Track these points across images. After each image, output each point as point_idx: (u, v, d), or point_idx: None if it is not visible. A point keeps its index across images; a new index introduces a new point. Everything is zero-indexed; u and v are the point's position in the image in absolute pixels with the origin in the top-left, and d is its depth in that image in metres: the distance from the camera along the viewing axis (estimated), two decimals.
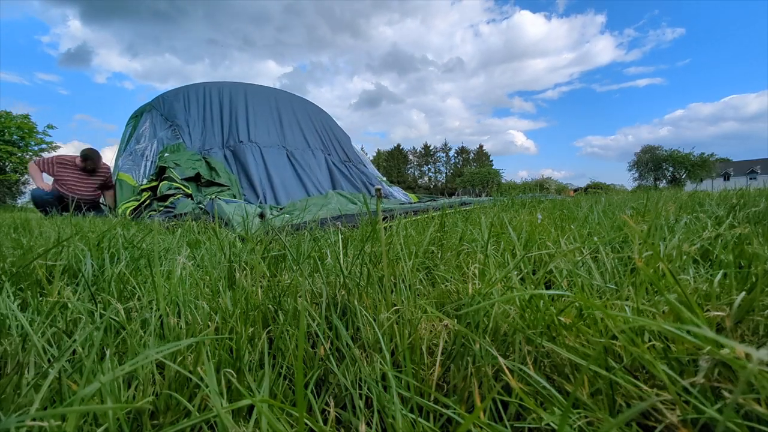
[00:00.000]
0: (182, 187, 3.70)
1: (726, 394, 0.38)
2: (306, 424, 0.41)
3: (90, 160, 4.53)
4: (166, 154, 4.24)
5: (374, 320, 0.59)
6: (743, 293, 0.46)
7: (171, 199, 3.51)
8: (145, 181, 4.17)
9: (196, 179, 3.95)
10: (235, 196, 3.91)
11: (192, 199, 3.53)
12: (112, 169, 4.88)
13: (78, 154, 4.60)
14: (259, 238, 1.23)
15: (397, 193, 5.91)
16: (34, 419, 0.34)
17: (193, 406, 0.45)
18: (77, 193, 4.48)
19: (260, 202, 3.69)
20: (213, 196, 3.20)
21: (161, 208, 3.39)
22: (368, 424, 0.46)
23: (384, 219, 1.68)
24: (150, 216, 3.12)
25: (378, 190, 0.61)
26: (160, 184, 3.79)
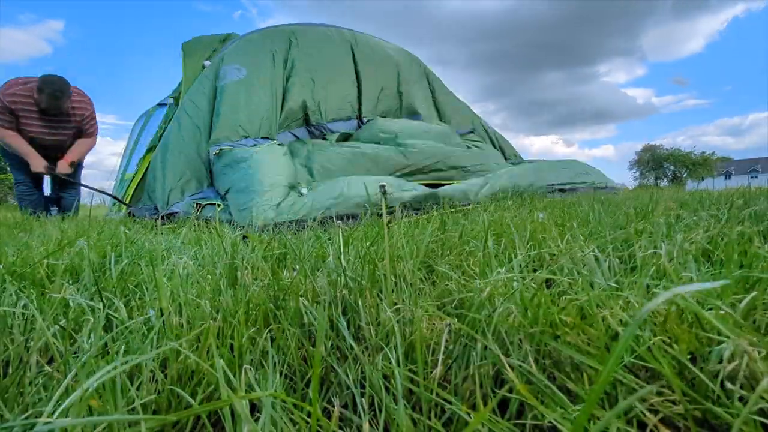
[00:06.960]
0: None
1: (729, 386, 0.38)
2: (307, 422, 0.41)
3: (55, 95, 2.66)
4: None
5: (376, 319, 0.59)
6: (753, 293, 0.46)
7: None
8: None
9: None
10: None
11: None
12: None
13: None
14: (259, 233, 1.23)
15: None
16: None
17: (197, 403, 0.45)
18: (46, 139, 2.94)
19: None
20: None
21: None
22: (371, 423, 0.46)
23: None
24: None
25: (382, 186, 0.60)
26: None
